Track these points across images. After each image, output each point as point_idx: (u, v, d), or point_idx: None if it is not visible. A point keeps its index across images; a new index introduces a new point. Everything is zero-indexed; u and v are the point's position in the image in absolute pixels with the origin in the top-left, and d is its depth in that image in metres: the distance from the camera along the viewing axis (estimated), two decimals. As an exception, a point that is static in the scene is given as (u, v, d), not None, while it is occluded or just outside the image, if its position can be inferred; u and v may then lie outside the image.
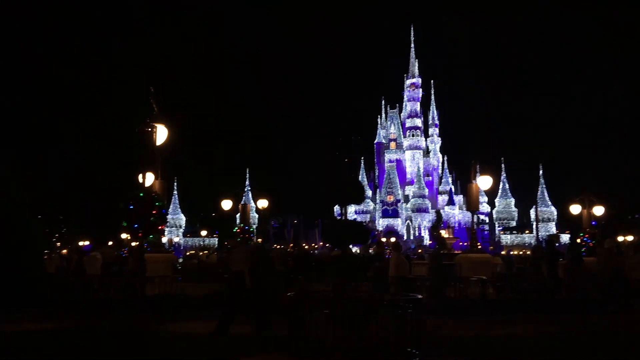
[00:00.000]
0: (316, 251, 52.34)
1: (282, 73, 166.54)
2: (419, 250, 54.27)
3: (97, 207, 59.93)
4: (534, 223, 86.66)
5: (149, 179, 14.27)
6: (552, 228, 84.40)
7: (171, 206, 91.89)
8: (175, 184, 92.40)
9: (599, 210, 28.07)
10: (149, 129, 13.42)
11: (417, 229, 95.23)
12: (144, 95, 14.14)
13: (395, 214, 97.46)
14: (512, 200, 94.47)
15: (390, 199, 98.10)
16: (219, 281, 15.32)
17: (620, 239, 50.04)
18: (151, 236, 14.50)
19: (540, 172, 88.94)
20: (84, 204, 66.72)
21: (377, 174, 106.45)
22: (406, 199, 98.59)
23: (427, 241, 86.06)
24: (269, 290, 12.94)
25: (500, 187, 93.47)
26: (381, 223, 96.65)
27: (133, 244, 17.10)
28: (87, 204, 66.04)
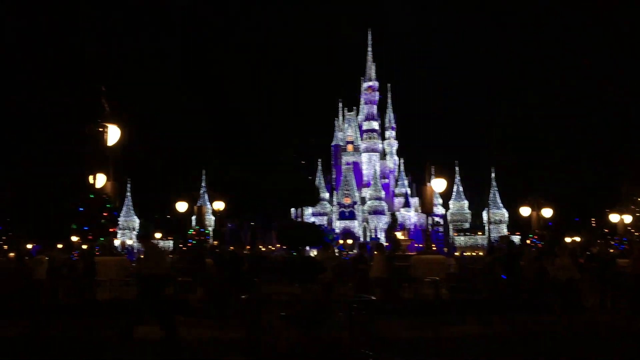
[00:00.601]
0: (273, 253, 52.20)
1: (239, 74, 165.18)
2: (375, 252, 54.79)
3: (46, 209, 58.11)
4: (487, 225, 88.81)
5: (100, 180, 13.92)
6: (504, 229, 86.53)
7: (124, 208, 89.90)
8: (128, 185, 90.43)
9: (547, 212, 29.00)
10: (100, 129, 13.09)
11: (373, 230, 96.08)
12: (95, 94, 13.78)
13: (352, 216, 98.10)
14: (466, 203, 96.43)
15: (347, 201, 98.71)
16: (173, 285, 15.09)
17: (568, 240, 51.79)
18: (102, 239, 14.17)
19: (492, 175, 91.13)
20: (32, 205, 64.55)
21: (334, 176, 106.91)
22: (363, 201, 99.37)
23: (383, 243, 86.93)
24: (223, 293, 12.82)
25: (455, 189, 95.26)
26: (338, 225, 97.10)
27: (83, 246, 16.65)
28: (35, 205, 63.93)
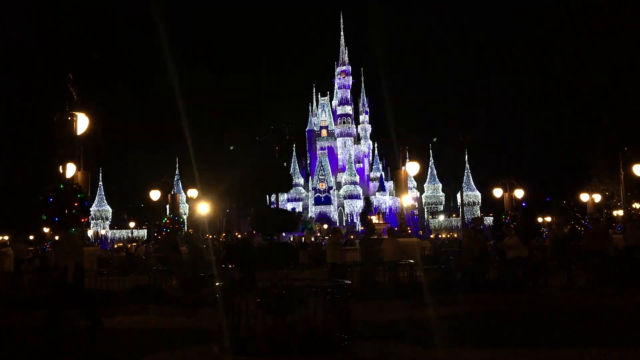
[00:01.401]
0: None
1: (213, 58, 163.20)
2: (351, 237, 55.05)
3: (15, 200, 56.96)
4: (460, 207, 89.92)
5: (70, 170, 13.65)
6: (477, 211, 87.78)
7: (97, 198, 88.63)
8: (100, 174, 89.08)
9: (519, 193, 29.48)
10: (69, 118, 12.80)
11: (349, 215, 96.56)
12: (62, 82, 13.46)
13: (327, 201, 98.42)
14: (440, 185, 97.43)
15: (322, 186, 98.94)
16: (147, 274, 14.99)
17: (539, 220, 52.76)
18: (73, 229, 13.92)
19: (466, 157, 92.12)
20: (2, 197, 63.19)
21: (309, 161, 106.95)
22: (338, 185, 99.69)
23: (359, 227, 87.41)
24: (200, 279, 12.78)
25: (429, 172, 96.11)
26: (314, 210, 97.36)
27: (57, 237, 16.39)
28: (4, 196, 62.57)
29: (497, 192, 29.49)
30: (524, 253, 14.03)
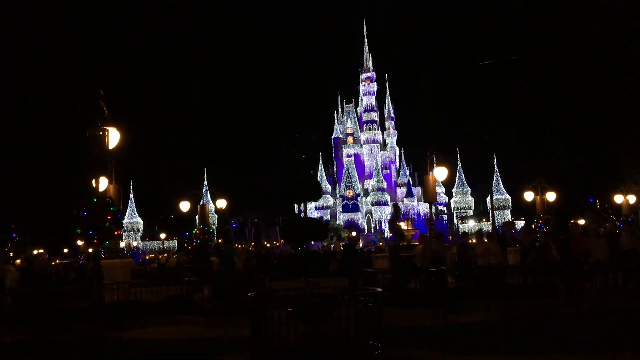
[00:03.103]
0: (277, 249, 52.29)
1: (238, 70, 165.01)
2: (380, 244, 54.83)
3: (50, 214, 58.27)
4: (490, 211, 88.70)
5: (103, 183, 13.93)
6: (508, 215, 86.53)
7: (128, 210, 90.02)
8: (131, 187, 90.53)
9: (551, 196, 28.95)
10: (100, 133, 13.09)
11: (377, 222, 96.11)
12: (93, 98, 13.78)
13: (355, 208, 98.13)
14: (469, 190, 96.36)
15: (349, 193, 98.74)
16: (179, 284, 15.15)
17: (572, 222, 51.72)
18: (107, 242, 14.20)
19: (495, 161, 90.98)
20: (37, 211, 64.71)
21: (335, 169, 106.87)
22: (365, 192, 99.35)
23: (387, 234, 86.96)
24: (229, 291, 12.86)
25: (457, 177, 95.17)
26: (342, 218, 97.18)
27: (89, 250, 16.71)
28: (39, 210, 64.07)
29: (528, 196, 29.00)
30: (503, 260, 13.78)
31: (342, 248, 16.26)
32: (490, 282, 13.69)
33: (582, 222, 54.34)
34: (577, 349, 7.64)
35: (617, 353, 7.23)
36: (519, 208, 71.69)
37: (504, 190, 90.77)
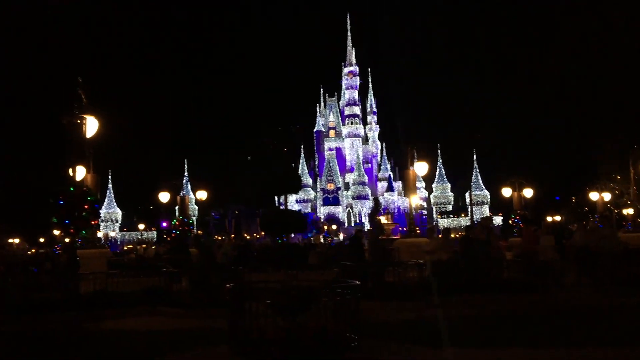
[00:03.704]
0: (258, 241, 52.22)
1: (220, 61, 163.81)
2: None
3: (26, 203, 57.38)
4: (469, 206, 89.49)
5: (80, 172, 13.73)
6: (486, 211, 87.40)
7: (106, 200, 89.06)
8: (109, 177, 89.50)
9: (528, 193, 29.35)
10: (78, 121, 12.89)
11: (357, 215, 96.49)
12: (72, 86, 13.56)
13: (336, 202, 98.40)
14: (449, 185, 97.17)
15: (330, 187, 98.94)
16: (157, 275, 15.04)
17: (549, 219, 52.50)
18: (84, 232, 14.03)
19: (474, 157, 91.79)
20: (12, 200, 63.64)
21: (317, 162, 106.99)
22: (346, 186, 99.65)
23: (367, 227, 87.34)
24: (208, 282, 12.82)
25: (437, 172, 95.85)
26: (322, 211, 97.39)
27: (66, 240, 16.49)
28: (16, 199, 63.06)
29: (506, 192, 29.39)
30: (448, 255, 13.90)
31: (351, 237, 16.42)
32: (467, 276, 13.83)
33: (558, 218, 55.18)
34: (546, 343, 7.77)
35: (580, 348, 7.37)
36: (498, 204, 72.46)
37: (483, 186, 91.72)
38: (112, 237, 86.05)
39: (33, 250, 42.02)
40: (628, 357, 7.02)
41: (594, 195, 34.30)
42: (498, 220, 67.30)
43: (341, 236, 72.80)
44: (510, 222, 27.13)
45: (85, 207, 12.14)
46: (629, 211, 36.92)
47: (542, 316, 10.20)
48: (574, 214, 57.91)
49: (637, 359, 7.01)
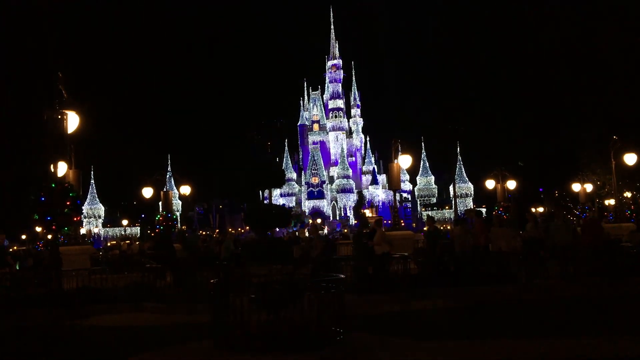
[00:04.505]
0: (242, 236, 52.02)
1: (203, 55, 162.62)
2: (345, 230, 55.16)
3: (7, 199, 56.58)
4: (453, 199, 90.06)
5: (62, 168, 13.58)
6: (470, 203, 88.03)
7: (88, 196, 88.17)
8: (92, 172, 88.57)
9: (511, 185, 29.63)
10: (59, 116, 12.73)
11: (342, 209, 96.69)
12: (52, 81, 13.37)
13: (320, 195, 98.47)
14: (432, 178, 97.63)
15: (315, 180, 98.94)
16: (141, 271, 14.97)
17: (532, 210, 53.06)
18: (66, 228, 13.89)
19: (458, 149, 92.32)
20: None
21: (301, 156, 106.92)
22: (331, 180, 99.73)
23: (352, 221, 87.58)
24: (191, 277, 12.80)
25: (421, 165, 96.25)
26: (307, 205, 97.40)
27: (48, 237, 16.31)
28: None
29: (490, 184, 29.65)
30: (386, 248, 14.17)
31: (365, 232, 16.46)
32: (452, 269, 14.00)
33: (540, 209, 55.76)
34: (531, 333, 7.88)
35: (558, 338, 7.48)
36: (481, 196, 73.03)
37: (467, 178, 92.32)
38: (95, 234, 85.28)
39: (15, 248, 41.50)
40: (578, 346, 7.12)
41: (576, 187, 34.68)
42: (482, 212, 67.85)
43: (326, 230, 72.90)
44: (493, 214, 27.35)
45: (67, 203, 12.00)
46: (611, 202, 37.44)
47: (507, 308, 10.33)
48: (557, 206, 58.51)
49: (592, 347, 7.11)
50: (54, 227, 12.29)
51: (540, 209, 56.04)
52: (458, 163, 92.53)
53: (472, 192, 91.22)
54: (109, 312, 11.28)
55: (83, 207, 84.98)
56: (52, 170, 12.64)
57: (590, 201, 35.29)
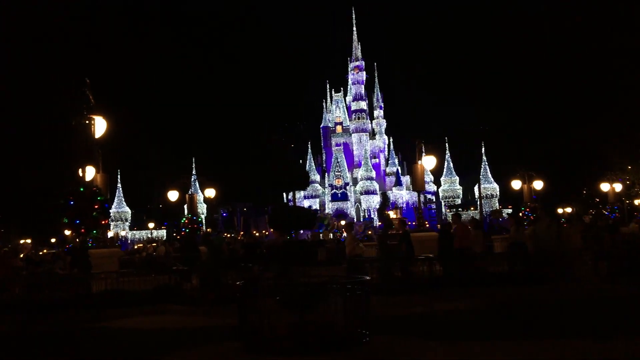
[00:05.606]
0: (266, 238, 52.17)
1: (226, 58, 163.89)
2: (369, 232, 55.00)
3: (36, 204, 57.75)
4: (478, 200, 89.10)
5: (90, 173, 13.83)
6: (496, 204, 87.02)
7: (115, 199, 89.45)
8: (118, 176, 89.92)
9: (538, 185, 29.22)
10: (87, 122, 12.97)
11: (366, 211, 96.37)
12: (79, 87, 13.63)
13: (344, 197, 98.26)
14: (457, 179, 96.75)
15: (338, 182, 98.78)
16: (168, 274, 15.14)
17: (560, 211, 52.23)
18: (94, 231, 14.12)
19: (483, 149, 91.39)
20: (22, 200, 64.04)
21: (324, 158, 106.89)
22: (355, 181, 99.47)
23: (376, 222, 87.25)
24: (217, 280, 12.89)
25: (445, 166, 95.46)
26: (331, 207, 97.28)
27: (76, 240, 16.60)
28: (25, 200, 63.44)
29: (516, 184, 29.27)
30: (359, 250, 14.81)
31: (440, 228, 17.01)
32: (475, 269, 13.95)
33: (569, 210, 54.85)
34: (562, 335, 7.73)
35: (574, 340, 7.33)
36: (507, 196, 72.08)
37: (492, 179, 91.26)
38: (123, 236, 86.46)
39: (45, 251, 42.32)
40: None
41: (604, 186, 34.06)
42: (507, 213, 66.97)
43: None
44: (520, 214, 26.99)
45: (95, 207, 12.22)
46: (640, 202, 36.68)
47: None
48: (585, 206, 57.58)
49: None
50: (82, 230, 12.53)
51: (568, 209, 55.13)
52: (483, 163, 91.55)
53: (498, 193, 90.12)
54: (136, 314, 11.41)
55: (110, 211, 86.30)
56: (81, 174, 12.88)
57: (619, 201, 34.58)
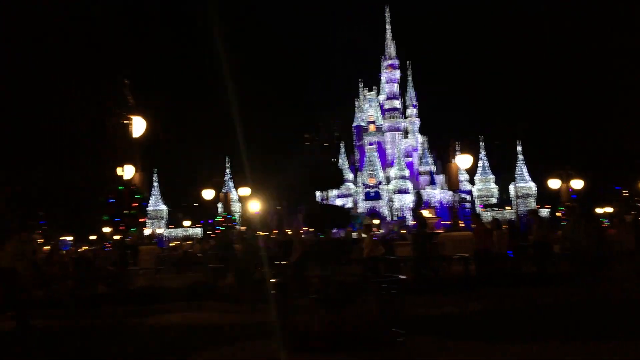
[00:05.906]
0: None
1: (260, 59, 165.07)
2: (402, 231, 54.70)
3: (78, 202, 59.19)
4: (514, 199, 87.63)
5: (129, 171, 14.14)
6: (532, 203, 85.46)
7: (152, 198, 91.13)
8: (155, 175, 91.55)
9: (577, 184, 28.56)
10: (126, 121, 13.26)
11: (399, 210, 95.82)
12: (119, 87, 13.96)
13: (377, 196, 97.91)
14: (492, 178, 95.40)
15: (371, 181, 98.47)
16: (203, 271, 15.38)
17: (599, 210, 50.98)
18: (133, 229, 14.45)
19: (519, 148, 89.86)
20: (64, 198, 65.78)
21: (357, 157, 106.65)
22: (387, 180, 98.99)
23: (410, 222, 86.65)
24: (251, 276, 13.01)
25: (480, 165, 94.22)
26: (364, 205, 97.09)
27: (115, 237, 16.97)
28: (67, 198, 65.13)
29: (553, 183, 28.66)
30: (379, 252, 14.51)
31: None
32: (506, 270, 13.80)
33: (609, 209, 53.51)
34: (598, 336, 7.57)
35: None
36: (544, 196, 70.68)
37: (529, 178, 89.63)
38: (159, 234, 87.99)
39: (85, 248, 43.43)
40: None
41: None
42: (545, 212, 65.67)
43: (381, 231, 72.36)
44: (558, 214, 26.48)
45: (134, 204, 12.51)
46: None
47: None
48: (626, 205, 56.08)
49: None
50: (121, 227, 12.84)
51: (609, 209, 53.78)
52: (518, 162, 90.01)
53: (535, 192, 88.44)
54: (172, 310, 11.62)
55: (147, 209, 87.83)
56: (120, 173, 13.19)
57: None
